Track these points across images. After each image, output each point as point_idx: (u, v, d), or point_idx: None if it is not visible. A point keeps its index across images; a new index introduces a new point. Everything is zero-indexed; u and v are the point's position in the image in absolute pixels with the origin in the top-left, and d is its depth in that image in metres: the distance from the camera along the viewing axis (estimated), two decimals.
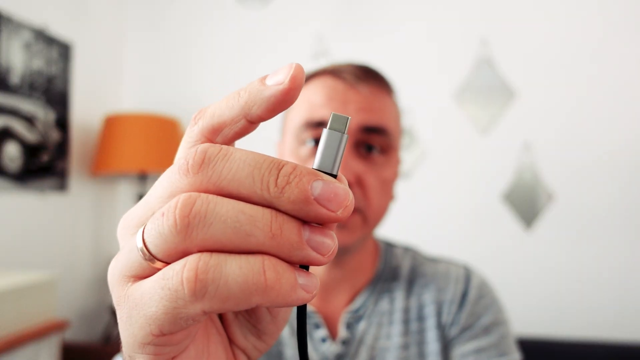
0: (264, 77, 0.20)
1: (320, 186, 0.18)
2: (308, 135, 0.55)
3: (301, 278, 0.19)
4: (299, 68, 0.20)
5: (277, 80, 0.20)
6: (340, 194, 0.18)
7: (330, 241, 0.19)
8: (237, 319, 0.25)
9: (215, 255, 0.18)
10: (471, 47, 1.68)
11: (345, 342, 0.57)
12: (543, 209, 1.60)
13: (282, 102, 0.20)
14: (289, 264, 0.18)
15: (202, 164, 0.18)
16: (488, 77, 1.66)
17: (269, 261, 0.18)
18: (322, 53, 1.79)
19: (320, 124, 0.54)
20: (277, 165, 0.18)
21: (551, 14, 1.62)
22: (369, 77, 0.57)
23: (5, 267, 1.38)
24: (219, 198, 0.18)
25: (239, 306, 0.18)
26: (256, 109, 0.20)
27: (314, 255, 0.19)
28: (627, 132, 1.55)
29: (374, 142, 0.55)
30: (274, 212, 0.18)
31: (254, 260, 0.18)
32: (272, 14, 1.85)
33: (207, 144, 0.19)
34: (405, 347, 0.57)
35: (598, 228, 1.55)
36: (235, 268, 0.17)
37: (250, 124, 0.21)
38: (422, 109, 1.70)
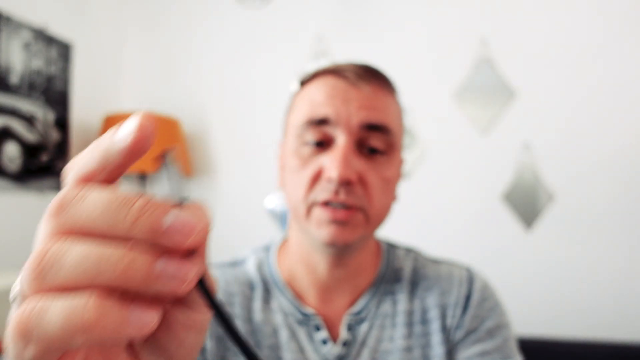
0: (115, 131, 0.21)
1: (170, 217, 0.19)
2: (310, 134, 0.54)
3: (134, 314, 0.19)
4: (145, 116, 0.21)
5: (124, 135, 0.21)
6: (189, 223, 0.19)
7: (186, 269, 0.19)
8: (145, 349, 0.24)
9: (43, 299, 0.19)
10: (471, 47, 1.68)
11: (346, 344, 0.57)
12: (543, 209, 1.60)
13: (136, 151, 0.21)
14: (131, 297, 0.19)
15: (59, 208, 0.20)
16: (488, 77, 1.66)
17: (94, 300, 0.18)
18: (322, 53, 1.78)
19: (321, 122, 0.53)
20: (130, 202, 0.19)
21: (551, 14, 1.62)
22: (370, 76, 0.56)
23: (5, 267, 1.38)
24: (71, 244, 0.19)
25: (69, 345, 0.18)
26: (113, 160, 0.21)
27: (168, 286, 0.19)
28: (627, 132, 1.55)
29: (376, 140, 0.55)
30: (128, 247, 0.19)
31: (79, 301, 0.18)
32: (272, 14, 1.85)
33: (65, 190, 0.20)
34: (408, 349, 0.57)
35: (598, 228, 1.55)
36: (57, 310, 0.18)
37: (119, 167, 0.22)
38: (422, 109, 1.70)
